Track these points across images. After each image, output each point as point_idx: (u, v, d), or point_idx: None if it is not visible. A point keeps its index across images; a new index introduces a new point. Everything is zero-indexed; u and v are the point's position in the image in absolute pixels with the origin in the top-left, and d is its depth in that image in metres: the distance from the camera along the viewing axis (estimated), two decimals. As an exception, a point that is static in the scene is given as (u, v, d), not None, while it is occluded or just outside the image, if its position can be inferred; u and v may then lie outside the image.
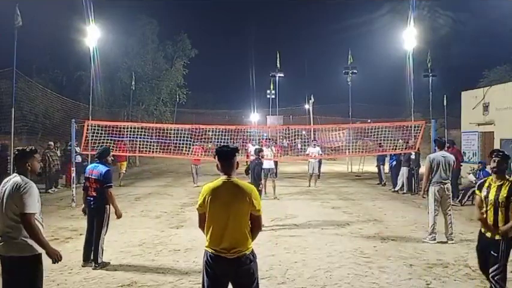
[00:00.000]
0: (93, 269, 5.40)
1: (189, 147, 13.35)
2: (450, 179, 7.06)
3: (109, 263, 5.62)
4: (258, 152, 9.38)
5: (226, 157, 3.20)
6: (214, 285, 3.12)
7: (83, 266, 5.52)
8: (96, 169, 5.61)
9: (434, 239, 6.85)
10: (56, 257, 3.39)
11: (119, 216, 5.66)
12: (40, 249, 3.34)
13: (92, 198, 5.58)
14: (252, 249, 3.17)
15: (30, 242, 3.31)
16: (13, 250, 3.30)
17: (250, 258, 3.11)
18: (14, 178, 3.41)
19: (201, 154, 13.63)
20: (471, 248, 6.58)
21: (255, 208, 3.12)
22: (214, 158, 3.22)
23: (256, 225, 3.20)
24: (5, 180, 3.49)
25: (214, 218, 3.11)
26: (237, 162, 3.26)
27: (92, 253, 5.54)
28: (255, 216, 3.16)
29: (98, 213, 5.54)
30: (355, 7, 64.01)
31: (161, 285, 4.98)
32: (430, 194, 7.02)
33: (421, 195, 7.44)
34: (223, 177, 3.18)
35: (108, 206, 5.57)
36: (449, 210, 6.97)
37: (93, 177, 5.58)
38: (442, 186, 6.90)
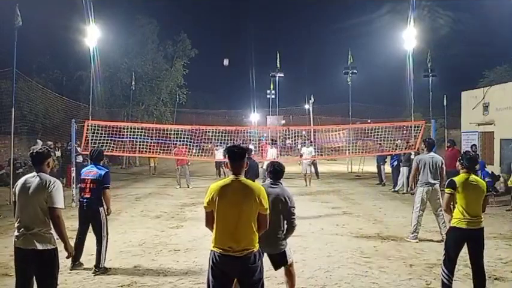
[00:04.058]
0: (93, 273, 5.28)
1: (190, 147, 13.37)
2: (439, 179, 6.98)
3: (110, 269, 5.47)
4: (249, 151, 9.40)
5: (236, 158, 3.26)
6: (220, 285, 3.14)
7: (71, 269, 5.37)
8: (93, 170, 5.57)
9: (416, 238, 6.90)
10: (72, 253, 3.78)
11: (108, 213, 5.61)
12: (56, 244, 3.60)
13: (85, 200, 5.49)
14: (258, 248, 3.21)
15: (50, 235, 3.55)
16: (35, 243, 3.48)
17: (257, 256, 3.16)
18: (38, 177, 3.60)
19: (185, 154, 13.58)
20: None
21: (263, 207, 3.17)
22: (225, 157, 3.28)
23: (262, 224, 3.25)
24: (24, 178, 3.66)
25: (222, 217, 3.14)
26: (246, 162, 3.35)
27: (81, 254, 5.49)
28: (262, 215, 3.21)
29: (93, 217, 5.45)
30: (355, 7, 64.23)
31: (161, 285, 4.98)
32: (417, 194, 7.04)
33: (409, 191, 7.65)
34: (231, 177, 3.24)
35: (102, 208, 5.48)
36: (440, 210, 6.88)
37: (90, 177, 5.51)
38: (430, 187, 6.89)
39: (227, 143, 12.89)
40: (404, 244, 6.75)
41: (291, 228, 4.03)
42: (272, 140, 16.20)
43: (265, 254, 4.05)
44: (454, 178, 4.54)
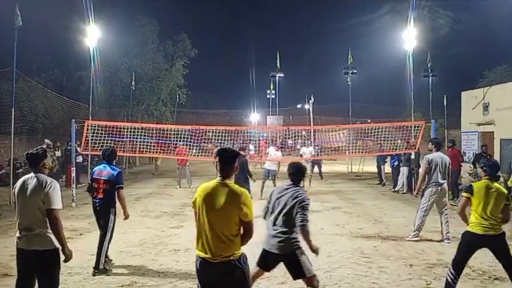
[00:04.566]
0: (92, 274, 5.27)
1: (190, 147, 13.36)
2: (447, 179, 7.03)
3: (110, 269, 5.47)
4: (243, 149, 9.47)
5: (225, 161, 3.16)
6: None
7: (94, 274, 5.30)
8: (106, 170, 5.42)
9: (417, 236, 6.91)
10: (70, 256, 3.66)
11: (126, 216, 5.56)
12: (57, 244, 3.57)
13: (98, 200, 5.41)
14: (242, 255, 3.07)
15: (51, 236, 3.54)
16: (37, 244, 3.49)
17: (237, 265, 3.01)
18: (35, 178, 3.60)
19: (185, 154, 13.59)
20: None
21: (243, 213, 3.00)
22: (215, 158, 3.23)
23: (246, 232, 3.08)
24: (22, 180, 3.67)
25: (202, 220, 3.07)
26: (237, 166, 3.22)
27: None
28: (244, 222, 3.04)
29: (103, 218, 5.39)
30: (355, 7, 64.19)
31: (161, 285, 4.98)
32: (426, 194, 7.02)
33: (415, 194, 7.62)
34: (218, 179, 3.13)
35: (113, 209, 5.41)
36: (445, 209, 6.96)
37: (102, 178, 5.37)
38: (438, 187, 6.91)
39: (227, 143, 12.89)
40: (404, 244, 6.76)
41: (299, 225, 3.92)
42: (281, 142, 16.14)
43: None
44: (473, 183, 4.54)
